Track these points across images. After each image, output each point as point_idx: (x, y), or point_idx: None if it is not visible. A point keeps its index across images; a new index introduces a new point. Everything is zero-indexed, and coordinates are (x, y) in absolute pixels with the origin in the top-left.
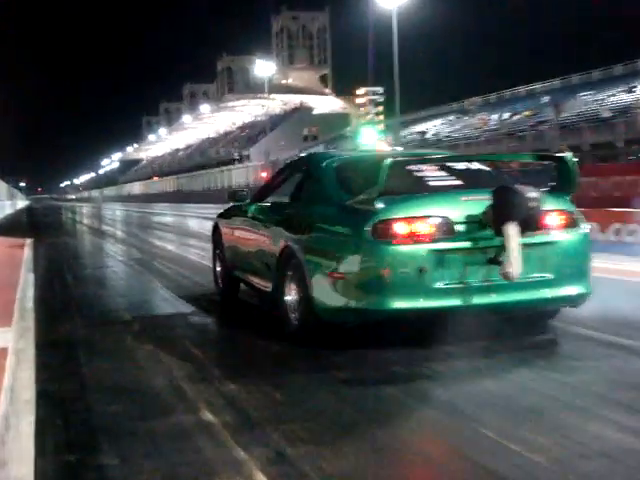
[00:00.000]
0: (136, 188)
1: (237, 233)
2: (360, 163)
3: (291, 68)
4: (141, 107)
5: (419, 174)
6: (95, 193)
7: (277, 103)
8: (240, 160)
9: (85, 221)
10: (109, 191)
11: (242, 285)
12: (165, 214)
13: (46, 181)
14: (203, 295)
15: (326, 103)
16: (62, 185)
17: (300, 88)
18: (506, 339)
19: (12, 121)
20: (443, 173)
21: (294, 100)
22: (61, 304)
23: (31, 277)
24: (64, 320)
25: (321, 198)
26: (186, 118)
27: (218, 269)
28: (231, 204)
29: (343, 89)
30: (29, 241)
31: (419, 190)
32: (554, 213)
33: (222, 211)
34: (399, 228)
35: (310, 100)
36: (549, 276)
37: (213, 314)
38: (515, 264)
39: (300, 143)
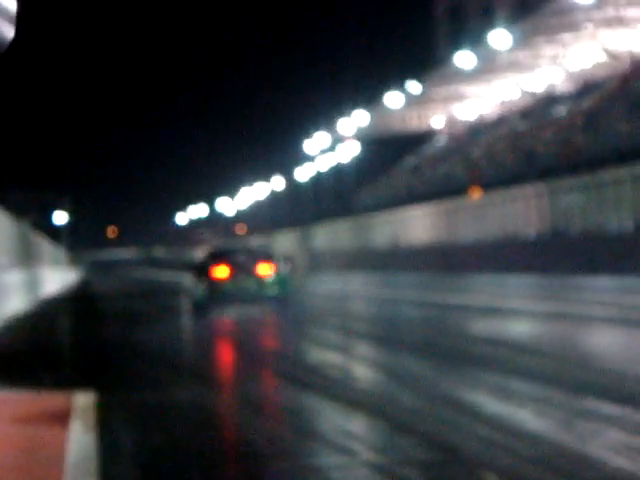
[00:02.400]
0: (420, 226)
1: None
2: (218, 250)
3: None
4: None
5: (224, 253)
6: (291, 241)
7: None
8: None
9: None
10: (327, 235)
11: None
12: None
13: (127, 212)
14: None
15: None
16: (176, 221)
17: None
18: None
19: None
20: (233, 253)
21: None
22: None
23: None
24: None
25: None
26: None
27: None
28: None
29: None
30: (83, 401)
31: (221, 259)
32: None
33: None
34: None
35: None
36: (274, 288)
37: None
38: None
39: None
